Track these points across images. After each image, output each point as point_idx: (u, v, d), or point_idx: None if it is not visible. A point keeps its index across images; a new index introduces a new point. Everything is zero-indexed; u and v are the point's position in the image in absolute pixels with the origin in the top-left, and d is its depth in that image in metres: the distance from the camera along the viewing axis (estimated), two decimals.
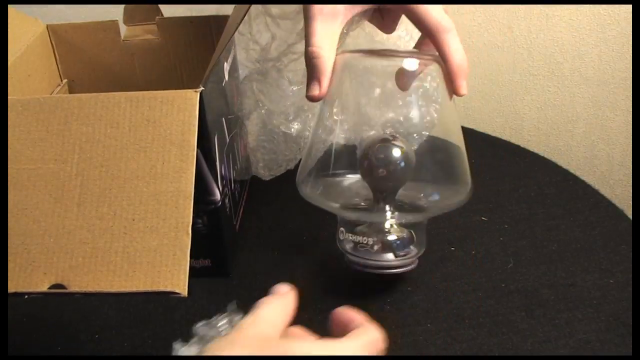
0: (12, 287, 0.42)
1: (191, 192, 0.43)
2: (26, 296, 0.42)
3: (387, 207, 0.56)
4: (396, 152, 0.53)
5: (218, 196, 0.55)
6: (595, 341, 0.51)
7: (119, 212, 0.43)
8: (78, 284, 0.42)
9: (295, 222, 0.56)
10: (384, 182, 0.55)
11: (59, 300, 0.58)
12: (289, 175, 0.72)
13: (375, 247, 0.56)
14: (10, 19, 0.60)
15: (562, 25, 0.85)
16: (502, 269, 0.58)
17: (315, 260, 0.61)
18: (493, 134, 0.79)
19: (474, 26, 0.85)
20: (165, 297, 0.42)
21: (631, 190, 0.95)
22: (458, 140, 0.55)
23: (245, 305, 0.56)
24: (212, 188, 0.54)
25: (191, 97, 0.46)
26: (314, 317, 0.55)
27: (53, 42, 0.66)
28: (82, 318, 0.56)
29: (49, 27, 0.65)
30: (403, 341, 0.52)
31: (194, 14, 0.65)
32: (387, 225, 0.56)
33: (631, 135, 0.91)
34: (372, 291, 0.57)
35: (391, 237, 0.55)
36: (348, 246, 0.57)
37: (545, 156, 0.74)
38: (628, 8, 0.83)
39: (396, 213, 0.56)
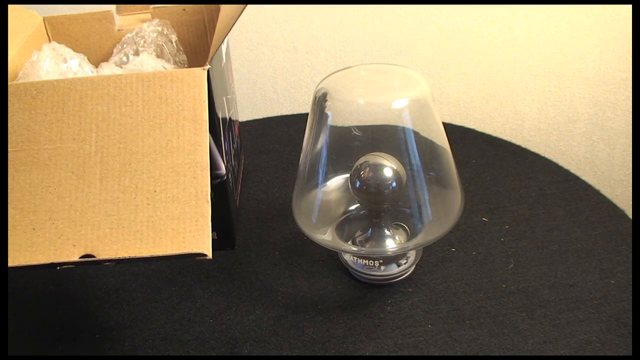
0: (42, 259, 0.43)
1: (207, 163, 0.46)
2: (58, 267, 0.43)
3: (385, 231, 0.56)
4: (387, 172, 0.53)
5: (224, 170, 0.57)
6: (596, 342, 0.51)
7: (141, 184, 0.45)
8: (107, 253, 0.43)
9: (295, 221, 0.56)
10: (376, 201, 0.54)
11: (59, 299, 0.58)
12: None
13: (378, 264, 0.56)
14: (9, 11, 0.60)
15: (562, 25, 0.85)
16: (502, 270, 0.58)
17: (315, 260, 0.61)
18: (493, 134, 0.79)
19: (474, 26, 0.85)
20: (190, 260, 0.43)
21: (631, 190, 0.95)
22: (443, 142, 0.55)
23: (245, 305, 0.56)
24: (218, 162, 0.56)
25: (200, 75, 0.48)
26: (314, 317, 0.55)
27: (49, 34, 0.66)
28: (82, 318, 0.56)
29: (45, 19, 0.66)
30: (404, 342, 0.52)
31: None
32: (388, 247, 0.56)
33: (631, 135, 0.91)
34: (373, 292, 0.57)
35: (392, 250, 0.55)
36: (350, 261, 0.57)
37: (546, 156, 0.74)
38: (628, 8, 0.83)
39: (397, 237, 0.56)
